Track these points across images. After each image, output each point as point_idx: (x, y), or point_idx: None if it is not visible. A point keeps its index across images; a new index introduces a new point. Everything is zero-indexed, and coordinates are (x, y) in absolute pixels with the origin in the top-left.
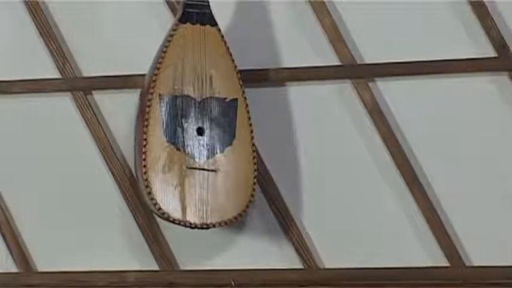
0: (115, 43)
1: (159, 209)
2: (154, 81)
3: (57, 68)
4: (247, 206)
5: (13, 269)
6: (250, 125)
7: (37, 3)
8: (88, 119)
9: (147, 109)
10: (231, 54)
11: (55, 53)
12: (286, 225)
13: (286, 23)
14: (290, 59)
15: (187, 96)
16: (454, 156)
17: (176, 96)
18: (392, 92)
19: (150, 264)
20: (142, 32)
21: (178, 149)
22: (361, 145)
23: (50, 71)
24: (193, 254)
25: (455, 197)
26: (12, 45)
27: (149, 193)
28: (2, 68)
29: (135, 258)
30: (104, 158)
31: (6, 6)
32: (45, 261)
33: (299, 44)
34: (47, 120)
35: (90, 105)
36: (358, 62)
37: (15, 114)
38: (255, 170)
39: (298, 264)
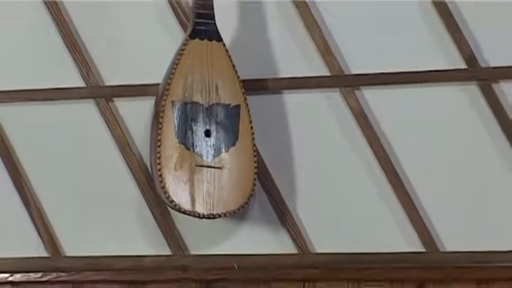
0: (133, 55)
1: (172, 201)
2: (167, 89)
3: (82, 77)
4: (248, 199)
5: (44, 254)
6: (251, 128)
7: (64, 19)
8: (109, 122)
9: (161, 114)
10: (234, 66)
11: (79, 63)
12: (283, 215)
13: (282, 38)
14: (286, 70)
15: (196, 102)
16: (429, 155)
17: (186, 103)
18: (375, 99)
19: (164, 250)
20: (157, 46)
21: (188, 149)
22: (347, 145)
23: (75, 80)
24: (202, 241)
25: (431, 190)
26: (41, 55)
27: (163, 187)
28: (32, 77)
29: (150, 244)
30: (124, 156)
31: (33, 18)
32: (72, 247)
33: (294, 56)
34: (74, 124)
35: (111, 111)
36: (346, 72)
37: (48, 119)
38: (255, 168)
39: (293, 250)
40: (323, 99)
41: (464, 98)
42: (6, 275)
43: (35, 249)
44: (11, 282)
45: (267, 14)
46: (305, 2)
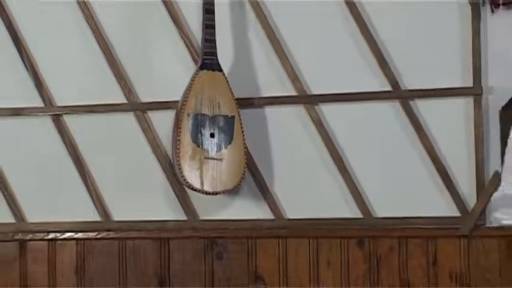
0: (161, 81)
1: (187, 182)
2: (184, 105)
3: (125, 95)
4: (240, 181)
5: (98, 219)
6: (243, 132)
7: (110, 52)
8: (144, 128)
9: (180, 122)
10: (230, 88)
11: (123, 87)
12: (264, 192)
13: (263, 68)
14: (267, 91)
15: (204, 114)
16: (366, 150)
17: (197, 114)
18: (329, 112)
19: (181, 216)
20: (177, 74)
21: (198, 146)
22: (310, 144)
23: (121, 98)
24: (207, 210)
25: (368, 175)
26: (95, 79)
27: (181, 173)
28: (90, 95)
29: (172, 212)
30: (154, 152)
31: (80, 45)
32: (118, 213)
33: (272, 81)
34: (120, 129)
35: (145, 120)
36: (308, 93)
37: (103, 125)
38: (245, 159)
39: (271, 216)
40: (292, 112)
41: (390, 111)
42: (72, 233)
43: (92, 215)
44: (75, 239)
45: (253, 51)
46: (278, 41)
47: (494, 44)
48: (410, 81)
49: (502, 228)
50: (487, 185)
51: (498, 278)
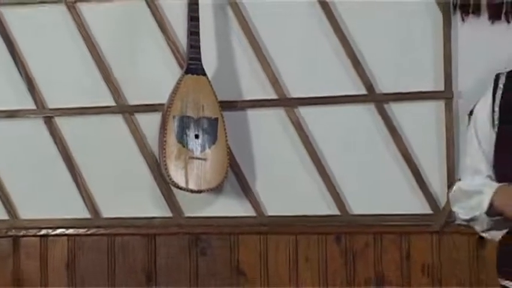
0: (148, 85)
1: (173, 181)
2: (170, 107)
3: (113, 99)
4: (223, 180)
5: (88, 216)
6: (226, 133)
7: (101, 59)
8: (132, 130)
9: (166, 124)
10: (214, 92)
11: (112, 91)
12: (246, 191)
13: (246, 72)
14: (248, 94)
15: (189, 116)
16: (342, 148)
17: (183, 116)
18: (307, 114)
19: (167, 213)
20: (164, 79)
21: (183, 147)
22: (290, 144)
23: (110, 100)
24: (192, 207)
25: (345, 174)
26: (87, 85)
27: (167, 172)
28: (81, 98)
29: (158, 209)
30: (141, 152)
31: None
32: (107, 210)
33: (254, 85)
34: (109, 130)
35: (133, 122)
36: (287, 96)
37: (93, 127)
38: (228, 159)
39: (252, 213)
40: (273, 114)
41: (366, 114)
42: (63, 230)
43: (82, 212)
44: (66, 235)
45: (236, 57)
46: (260, 47)
47: (464, 50)
48: (384, 85)
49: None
50: None
51: (467, 271)
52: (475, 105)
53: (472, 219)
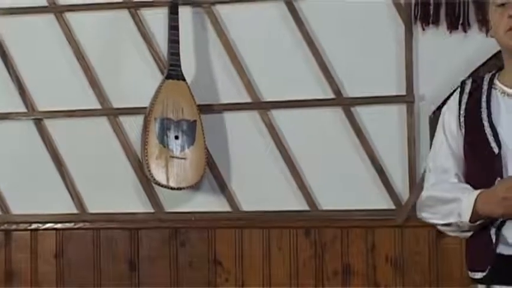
0: (131, 89)
1: (154, 179)
2: (152, 110)
3: (99, 102)
4: (201, 178)
5: (75, 211)
6: (203, 134)
7: (84, 58)
8: (116, 131)
9: (148, 125)
10: (192, 96)
11: (98, 95)
12: (222, 187)
13: (222, 77)
14: (224, 98)
15: (169, 118)
16: (310, 148)
17: (163, 118)
18: (279, 116)
19: (149, 209)
20: (146, 83)
21: (164, 147)
22: (263, 143)
23: (95, 103)
24: (173, 203)
25: (314, 172)
26: (75, 90)
27: (149, 171)
28: (69, 102)
29: (141, 205)
30: (125, 152)
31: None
32: (93, 206)
33: (229, 89)
34: (95, 132)
35: (117, 124)
36: (261, 100)
37: (81, 128)
38: (206, 158)
39: (228, 208)
40: (247, 116)
41: (334, 116)
42: (52, 224)
43: (69, 208)
44: (55, 229)
45: (213, 63)
46: (235, 54)
47: (424, 57)
48: (351, 90)
49: None
50: (418, 181)
51: (427, 261)
52: (437, 108)
53: (446, 225)
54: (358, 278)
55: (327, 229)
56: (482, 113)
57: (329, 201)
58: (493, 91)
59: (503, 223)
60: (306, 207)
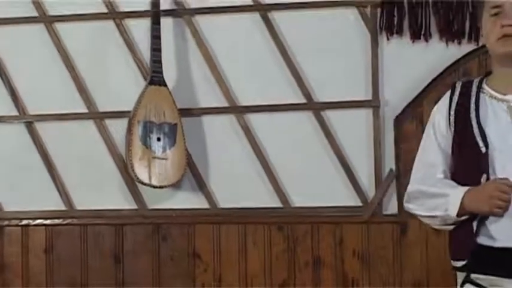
0: (116, 94)
1: (138, 178)
2: (135, 114)
3: (86, 106)
4: (182, 177)
5: (63, 208)
6: (184, 136)
7: (72, 65)
8: (102, 133)
9: (132, 128)
10: (174, 100)
11: (85, 99)
12: (201, 186)
13: (201, 83)
14: (203, 103)
15: (152, 121)
16: (284, 150)
17: (146, 121)
18: (254, 119)
19: (133, 205)
20: (130, 88)
21: (147, 148)
22: (239, 145)
23: (82, 107)
24: (155, 201)
25: (287, 172)
26: (61, 94)
27: (133, 170)
28: (57, 106)
29: (125, 202)
30: (110, 152)
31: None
32: (80, 203)
33: (208, 94)
34: (82, 134)
35: (103, 126)
36: (237, 104)
37: (70, 130)
38: (186, 159)
39: (207, 205)
40: (224, 120)
41: (305, 119)
42: (42, 220)
43: (58, 205)
44: (44, 225)
45: (193, 70)
46: (213, 61)
47: (389, 65)
48: (321, 95)
49: (394, 215)
50: (383, 180)
51: (391, 254)
52: (401, 112)
53: (431, 217)
54: (327, 270)
55: (299, 225)
56: (471, 114)
57: (300, 198)
58: (482, 95)
59: (486, 216)
60: (279, 205)
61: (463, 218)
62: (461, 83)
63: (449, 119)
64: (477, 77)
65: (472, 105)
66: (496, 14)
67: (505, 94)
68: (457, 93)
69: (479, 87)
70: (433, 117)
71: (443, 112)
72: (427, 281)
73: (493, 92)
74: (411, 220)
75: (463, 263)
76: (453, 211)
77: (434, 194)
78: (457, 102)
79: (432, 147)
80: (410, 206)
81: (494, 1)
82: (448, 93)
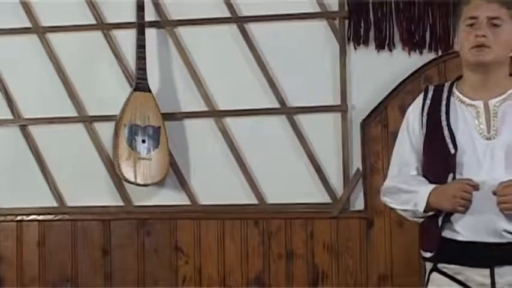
0: (104, 98)
1: (124, 177)
2: (122, 118)
3: (76, 111)
4: (165, 176)
5: (55, 204)
6: (167, 138)
7: (63, 72)
8: (91, 136)
9: (118, 131)
10: (157, 105)
11: (75, 104)
12: (182, 185)
13: (183, 90)
14: (185, 107)
15: (137, 125)
16: (255, 149)
17: (132, 125)
18: (232, 124)
19: (120, 202)
20: (116, 94)
21: (133, 149)
22: (219, 145)
23: (72, 112)
24: (140, 198)
25: (263, 172)
26: (54, 100)
27: (119, 170)
28: (49, 110)
29: (113, 199)
30: (99, 153)
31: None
32: (71, 200)
33: (189, 100)
34: (72, 136)
35: (92, 130)
36: (216, 109)
37: (63, 133)
38: (169, 159)
39: (188, 202)
40: (204, 123)
41: (279, 122)
42: (35, 216)
43: (50, 202)
44: (37, 220)
45: (175, 77)
46: (194, 69)
47: (356, 72)
48: (294, 100)
49: (361, 211)
50: (350, 179)
51: (358, 247)
52: (367, 116)
53: (404, 210)
54: (299, 261)
55: (273, 220)
56: (442, 117)
57: (275, 195)
58: (452, 98)
59: (451, 213)
60: (255, 201)
61: (430, 213)
62: (433, 87)
63: (422, 121)
64: (448, 82)
65: (443, 109)
66: (471, 25)
67: (473, 99)
68: (429, 96)
69: (450, 91)
70: (407, 118)
71: (416, 113)
72: (391, 272)
73: (462, 97)
74: (377, 216)
75: (431, 254)
76: (420, 207)
77: (406, 190)
78: (430, 105)
79: (406, 146)
80: (386, 199)
81: (470, 12)
82: (421, 96)
